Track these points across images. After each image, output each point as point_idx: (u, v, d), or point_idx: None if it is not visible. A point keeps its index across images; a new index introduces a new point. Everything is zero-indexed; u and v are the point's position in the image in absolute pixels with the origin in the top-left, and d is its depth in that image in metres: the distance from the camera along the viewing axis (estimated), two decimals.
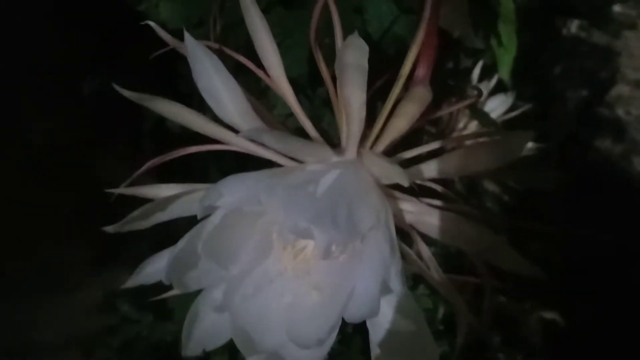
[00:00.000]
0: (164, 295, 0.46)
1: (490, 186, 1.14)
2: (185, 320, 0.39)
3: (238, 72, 0.45)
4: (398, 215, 0.41)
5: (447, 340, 1.31)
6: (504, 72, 1.02)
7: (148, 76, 0.69)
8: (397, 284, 0.33)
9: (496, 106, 1.09)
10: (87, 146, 0.94)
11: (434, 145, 0.40)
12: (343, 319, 0.35)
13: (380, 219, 0.34)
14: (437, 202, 0.41)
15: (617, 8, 2.07)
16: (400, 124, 0.38)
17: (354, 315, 0.34)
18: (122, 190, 0.43)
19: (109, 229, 0.40)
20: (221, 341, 0.39)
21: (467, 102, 0.40)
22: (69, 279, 1.07)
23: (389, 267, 0.33)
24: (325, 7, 0.44)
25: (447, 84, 0.80)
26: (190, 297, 0.41)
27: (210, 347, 0.39)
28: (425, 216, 0.40)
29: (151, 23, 0.40)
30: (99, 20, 0.80)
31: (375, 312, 0.33)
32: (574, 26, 2.45)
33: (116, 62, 0.78)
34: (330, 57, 0.44)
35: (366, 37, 0.55)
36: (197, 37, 0.61)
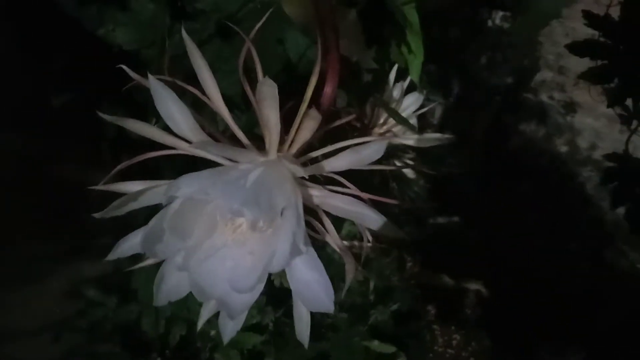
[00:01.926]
0: (130, 269, 0.60)
1: (409, 173, 1.31)
2: (154, 281, 0.54)
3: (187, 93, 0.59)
4: (309, 199, 0.56)
5: (377, 309, 1.49)
6: (415, 74, 1.19)
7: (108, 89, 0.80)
8: (302, 246, 0.49)
9: (411, 103, 1.25)
10: (55, 153, 1.05)
11: (336, 147, 0.55)
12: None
13: (291, 202, 0.50)
14: (338, 188, 0.57)
15: None
16: (304, 134, 0.54)
17: (274, 268, 0.49)
18: (101, 187, 0.57)
19: (96, 215, 0.53)
20: (182, 294, 0.54)
21: (347, 120, 0.56)
22: (38, 271, 1.17)
23: (296, 235, 0.48)
24: (253, 41, 0.59)
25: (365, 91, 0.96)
26: (150, 280, 0.55)
27: (174, 298, 0.54)
28: (327, 199, 0.56)
29: (124, 67, 0.53)
30: (68, 41, 0.92)
31: (286, 264, 0.49)
32: (498, 18, 2.59)
33: (82, 78, 0.90)
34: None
35: (288, 61, 0.71)
36: (149, 56, 0.77)
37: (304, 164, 0.57)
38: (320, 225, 0.57)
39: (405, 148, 1.31)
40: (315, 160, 0.56)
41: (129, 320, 1.15)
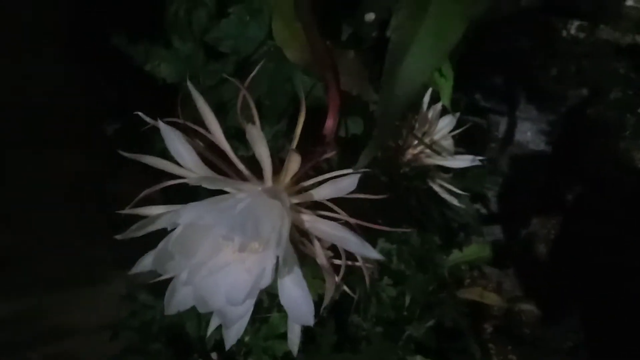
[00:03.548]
0: (159, 279, 0.69)
1: (443, 193, 1.34)
2: (166, 294, 0.63)
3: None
4: (300, 223, 0.64)
5: (412, 324, 1.52)
6: (446, 99, 1.24)
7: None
8: (285, 266, 0.56)
9: (445, 125, 1.28)
10: (111, 171, 1.19)
11: (319, 179, 0.62)
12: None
13: (275, 227, 0.57)
14: (327, 214, 0.64)
15: (629, 2, 2.13)
16: (293, 167, 0.62)
17: (262, 284, 0.57)
18: (127, 211, 0.67)
19: (119, 236, 0.63)
20: (188, 305, 0.62)
21: (323, 158, 0.63)
22: (98, 275, 1.32)
23: (280, 257, 0.56)
24: (265, 78, 0.67)
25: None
26: None
27: (182, 309, 0.63)
28: (315, 223, 0.63)
29: (140, 114, 0.63)
30: (119, 75, 1.05)
31: (269, 282, 0.56)
32: (573, 27, 2.50)
33: (130, 109, 1.03)
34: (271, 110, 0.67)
35: (295, 97, 0.79)
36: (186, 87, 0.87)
37: (298, 192, 0.64)
38: (310, 245, 0.64)
39: (438, 169, 1.34)
40: (307, 189, 0.64)
41: (174, 322, 1.27)
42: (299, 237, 0.65)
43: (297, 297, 0.59)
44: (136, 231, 0.63)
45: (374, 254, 0.59)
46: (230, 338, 0.63)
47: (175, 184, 0.67)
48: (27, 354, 1.17)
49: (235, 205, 0.57)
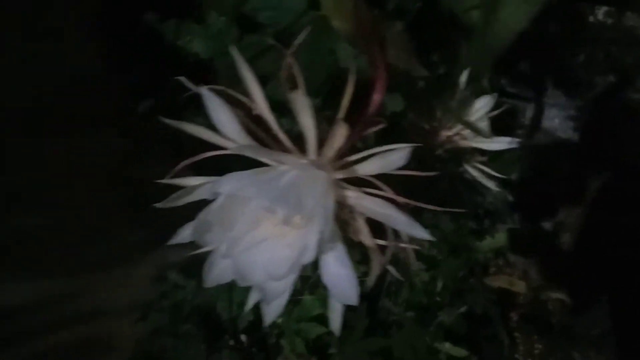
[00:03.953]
0: (194, 252, 0.68)
1: (481, 178, 1.30)
2: (204, 266, 0.61)
3: None
4: (343, 199, 0.61)
5: (444, 310, 1.49)
6: (484, 80, 1.20)
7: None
8: (329, 242, 0.54)
9: (482, 106, 1.24)
10: (140, 151, 1.18)
11: (365, 154, 0.60)
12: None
13: (320, 202, 0.55)
14: (373, 191, 0.61)
15: None
16: (339, 141, 0.59)
17: (304, 260, 0.55)
18: (166, 180, 0.65)
19: (159, 205, 0.61)
20: (227, 279, 0.61)
21: (374, 129, 0.60)
22: (128, 257, 1.31)
23: (323, 232, 0.53)
24: (306, 50, 0.64)
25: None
26: None
27: (221, 282, 0.61)
28: (360, 200, 0.60)
29: (182, 78, 0.61)
30: (148, 55, 1.04)
31: (313, 258, 0.54)
32: (600, 13, 2.43)
33: (162, 88, 1.02)
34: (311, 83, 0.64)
35: (339, 69, 0.76)
36: (221, 64, 0.86)
37: (342, 167, 0.62)
38: (353, 223, 0.62)
39: (475, 151, 1.30)
40: (351, 164, 0.61)
41: (206, 303, 1.26)
42: (341, 215, 0.63)
43: (340, 275, 0.57)
44: (175, 200, 0.61)
45: (423, 233, 0.56)
46: (270, 314, 0.61)
47: (210, 159, 0.65)
48: (58, 336, 1.17)
49: (279, 177, 0.55)
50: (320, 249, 0.55)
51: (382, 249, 0.61)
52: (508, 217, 2.06)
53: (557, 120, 2.47)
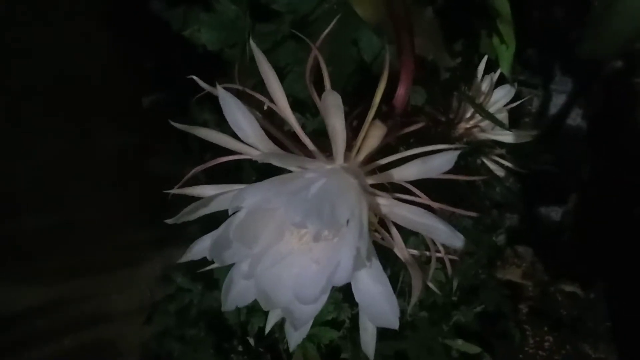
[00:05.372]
0: (209, 268, 0.62)
1: (498, 171, 1.24)
2: (223, 286, 0.55)
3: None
4: (376, 207, 0.55)
5: (460, 309, 1.44)
6: (505, 67, 1.13)
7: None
8: (365, 259, 0.48)
9: (501, 96, 1.18)
10: (148, 148, 1.12)
11: (401, 156, 0.53)
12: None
13: (355, 213, 0.49)
14: (407, 197, 0.55)
15: None
16: (372, 142, 0.53)
17: (337, 280, 0.48)
18: (176, 190, 0.59)
19: (169, 221, 0.55)
20: (249, 300, 0.54)
21: (415, 128, 0.53)
22: (133, 257, 1.26)
23: (360, 248, 0.47)
24: (328, 42, 0.58)
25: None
26: None
27: (241, 304, 0.55)
28: (395, 208, 0.54)
29: (195, 78, 0.54)
30: (155, 45, 0.97)
31: (349, 278, 0.48)
32: None
33: (169, 81, 0.95)
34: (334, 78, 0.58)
35: (361, 62, 0.69)
36: (231, 56, 0.78)
37: (372, 172, 0.56)
38: (385, 233, 0.56)
39: (494, 144, 1.24)
40: (384, 169, 0.54)
41: (213, 307, 1.21)
42: (373, 224, 0.56)
43: (376, 294, 0.51)
44: (189, 214, 0.55)
45: (461, 243, 0.50)
46: (295, 339, 0.56)
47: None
48: (63, 340, 1.12)
49: (307, 187, 0.48)
50: (355, 266, 0.49)
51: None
52: (516, 208, 2.00)
53: (565, 108, 2.42)
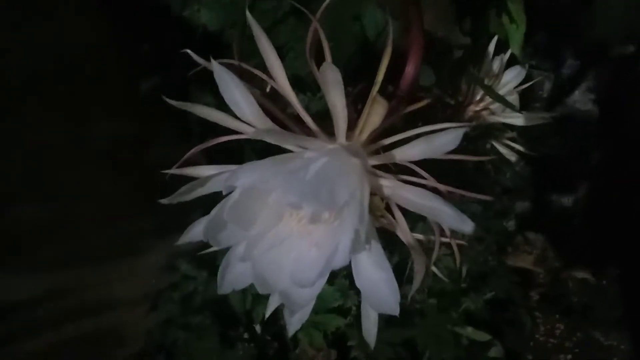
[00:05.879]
0: (209, 250, 0.59)
1: (509, 154, 1.21)
2: (219, 268, 0.53)
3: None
4: (379, 189, 0.52)
5: (469, 296, 1.41)
6: (516, 47, 1.09)
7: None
8: (365, 242, 0.46)
9: (511, 78, 1.14)
10: (148, 135, 1.10)
11: (405, 135, 0.51)
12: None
13: (355, 195, 0.46)
14: (412, 179, 0.52)
15: None
16: (375, 120, 0.50)
17: (335, 263, 0.46)
18: (173, 170, 0.57)
19: (164, 201, 0.53)
20: (246, 284, 0.52)
21: (419, 105, 0.51)
22: (137, 246, 1.25)
23: (359, 231, 0.45)
24: (328, 17, 0.55)
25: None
26: None
27: (237, 287, 0.53)
28: (398, 190, 0.51)
29: (189, 51, 0.52)
30: (153, 29, 0.95)
31: (347, 261, 0.45)
32: None
33: (167, 65, 0.93)
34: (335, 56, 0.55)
35: (365, 39, 0.67)
36: (232, 37, 0.76)
37: (375, 152, 0.53)
38: (389, 216, 0.53)
39: (504, 127, 1.21)
40: (387, 148, 0.52)
41: (218, 294, 1.19)
42: (372, 206, 0.54)
43: (377, 280, 0.49)
44: (185, 194, 0.53)
45: (470, 227, 0.47)
46: (294, 324, 0.53)
47: (221, 143, 0.56)
48: (67, 329, 1.11)
49: (306, 167, 0.46)
50: (354, 249, 0.47)
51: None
52: (527, 194, 1.97)
53: (576, 92, 2.38)
